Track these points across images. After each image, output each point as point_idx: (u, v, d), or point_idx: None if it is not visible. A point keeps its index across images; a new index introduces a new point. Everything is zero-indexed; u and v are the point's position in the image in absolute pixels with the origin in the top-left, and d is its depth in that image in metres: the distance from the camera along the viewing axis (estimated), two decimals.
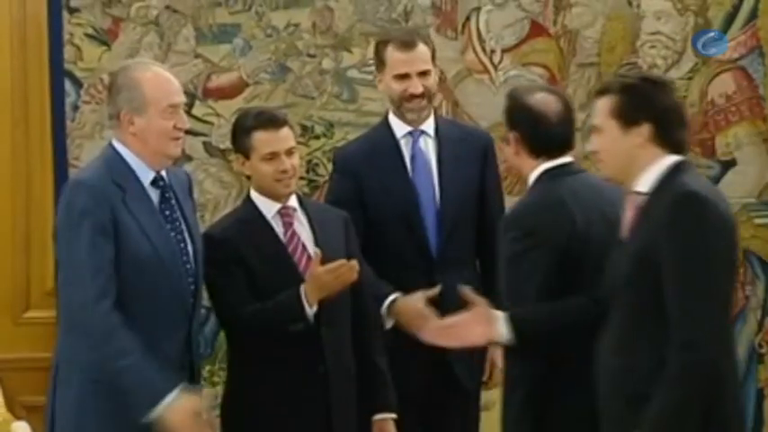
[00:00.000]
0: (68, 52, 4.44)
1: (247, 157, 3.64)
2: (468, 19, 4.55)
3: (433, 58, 4.07)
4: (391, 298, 3.92)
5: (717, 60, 4.61)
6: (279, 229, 3.63)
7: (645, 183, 2.96)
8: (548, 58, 4.58)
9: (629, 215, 3.02)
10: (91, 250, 3.33)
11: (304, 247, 3.63)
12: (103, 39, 4.46)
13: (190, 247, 3.47)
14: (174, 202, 3.48)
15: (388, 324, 3.97)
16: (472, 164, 4.07)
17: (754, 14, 4.58)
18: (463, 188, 4.05)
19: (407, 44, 3.96)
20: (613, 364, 2.98)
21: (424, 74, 3.94)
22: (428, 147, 4.04)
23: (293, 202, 3.67)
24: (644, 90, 3.07)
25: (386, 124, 4.06)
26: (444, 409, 4.06)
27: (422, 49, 3.96)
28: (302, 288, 3.51)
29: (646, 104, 3.03)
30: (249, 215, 3.67)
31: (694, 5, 4.59)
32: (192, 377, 3.45)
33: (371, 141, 4.11)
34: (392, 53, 3.96)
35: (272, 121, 3.65)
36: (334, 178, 4.16)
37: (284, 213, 3.63)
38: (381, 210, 3.95)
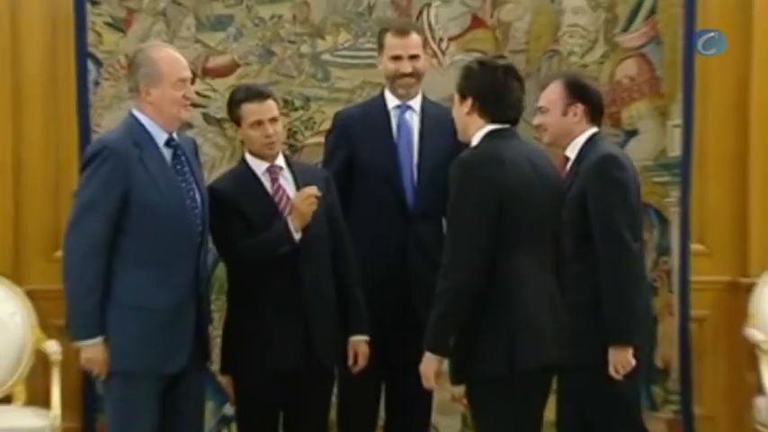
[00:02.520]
0: (91, 37, 4.72)
1: (239, 124, 3.90)
2: (420, 13, 4.83)
3: (424, 45, 4.34)
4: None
5: (623, 48, 4.86)
6: (267, 183, 3.87)
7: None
8: (486, 46, 4.88)
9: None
10: (96, 197, 3.56)
11: (288, 198, 3.87)
12: (120, 27, 4.75)
13: (198, 195, 3.71)
14: (184, 159, 3.72)
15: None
16: (447, 138, 4.16)
17: (653, 10, 4.86)
18: (437, 156, 4.22)
19: (402, 32, 4.21)
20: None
21: (414, 57, 4.18)
22: (413, 119, 4.27)
23: (280, 161, 3.91)
24: (470, 71, 3.48)
25: (381, 97, 4.29)
26: (406, 337, 4.14)
27: (414, 36, 4.21)
28: (288, 218, 3.77)
29: (470, 83, 3.45)
30: (243, 173, 3.91)
31: (605, 2, 4.86)
32: (199, 299, 3.69)
33: (367, 109, 4.35)
34: (390, 38, 4.21)
35: (258, 94, 3.90)
36: (332, 134, 4.36)
37: (271, 171, 3.89)
38: (368, 166, 4.22)
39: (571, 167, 3.71)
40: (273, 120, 3.85)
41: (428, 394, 4.26)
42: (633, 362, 3.56)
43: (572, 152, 3.72)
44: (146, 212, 3.59)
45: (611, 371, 3.54)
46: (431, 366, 3.40)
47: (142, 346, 3.61)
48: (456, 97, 3.52)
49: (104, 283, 3.57)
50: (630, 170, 3.71)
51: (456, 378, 3.39)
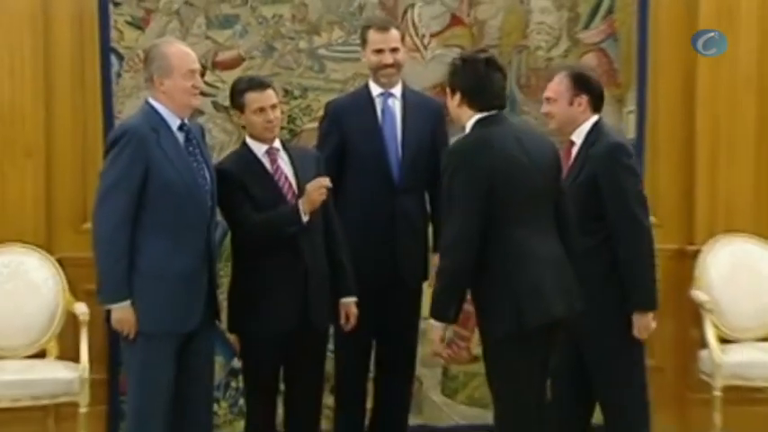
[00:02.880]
0: (113, 34, 4.91)
1: (242, 111, 4.05)
2: (405, 12, 5.07)
3: (402, 39, 4.50)
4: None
5: (584, 43, 5.13)
6: (267, 164, 4.05)
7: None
8: (463, 41, 5.11)
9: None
10: (121, 177, 3.73)
11: (286, 177, 4.06)
12: (139, 25, 4.94)
13: (207, 174, 3.89)
14: (194, 142, 3.90)
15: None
16: (427, 122, 4.48)
17: (611, 10, 5.15)
18: (419, 137, 4.44)
19: (383, 28, 4.42)
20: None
21: (394, 50, 4.39)
22: (395, 105, 4.45)
23: (277, 144, 4.09)
24: (455, 68, 3.65)
25: (366, 87, 4.48)
26: (393, 300, 4.45)
27: (394, 32, 4.42)
28: (299, 201, 3.95)
29: (456, 79, 3.64)
30: (245, 154, 4.08)
31: (568, 3, 5.12)
32: (211, 265, 3.90)
33: (355, 97, 4.54)
34: (372, 34, 4.41)
35: (259, 84, 4.08)
36: (324, 122, 4.52)
37: (270, 152, 4.07)
38: (357, 148, 4.40)
39: (578, 152, 3.89)
40: (273, 106, 4.03)
41: (413, 351, 4.51)
42: (654, 325, 3.83)
43: (578, 138, 3.92)
44: (163, 189, 3.76)
45: (637, 333, 3.78)
46: (437, 332, 3.60)
47: (162, 309, 3.78)
48: (447, 91, 3.68)
49: (129, 253, 3.75)
50: (634, 156, 3.91)
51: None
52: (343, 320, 4.18)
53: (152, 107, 3.82)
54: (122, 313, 3.75)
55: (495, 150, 3.50)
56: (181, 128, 3.85)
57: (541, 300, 3.50)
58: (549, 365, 3.63)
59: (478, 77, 3.60)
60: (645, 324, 3.81)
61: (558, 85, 3.94)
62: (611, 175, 3.79)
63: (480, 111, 3.59)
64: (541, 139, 3.70)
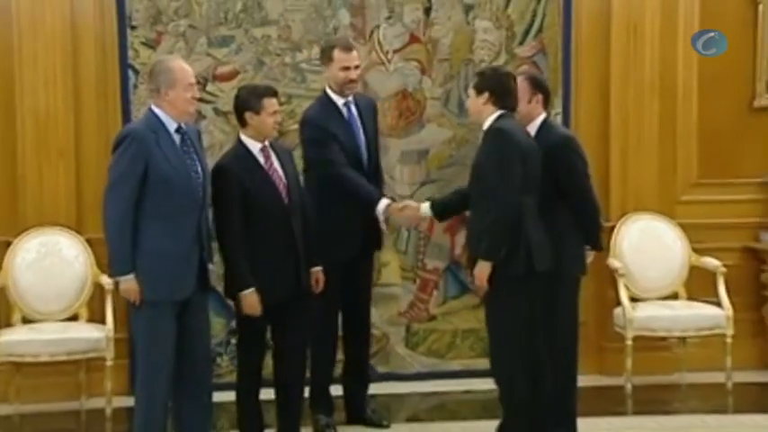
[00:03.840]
0: (130, 53, 5.30)
1: (258, 112, 4.24)
2: (372, 32, 5.46)
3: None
4: (385, 202, 4.59)
5: (519, 57, 5.52)
6: (261, 160, 4.30)
7: (485, 124, 4.17)
8: (420, 56, 5.53)
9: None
10: (125, 172, 3.93)
11: (276, 170, 4.30)
12: (152, 45, 5.33)
13: (199, 169, 4.07)
14: (189, 142, 4.07)
15: (382, 221, 4.59)
16: (371, 117, 4.82)
17: (541, 30, 5.57)
18: (373, 132, 4.81)
19: (348, 48, 4.69)
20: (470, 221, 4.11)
21: (357, 67, 4.70)
22: (354, 110, 4.74)
23: (266, 142, 4.31)
24: (485, 75, 4.22)
25: (328, 98, 4.69)
26: (363, 264, 4.82)
27: (355, 52, 4.71)
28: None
29: (485, 82, 4.16)
30: (243, 152, 4.30)
31: (506, 24, 5.52)
32: (201, 244, 4.07)
33: (325, 109, 4.70)
34: (338, 53, 4.63)
35: (275, 93, 4.37)
36: (314, 130, 4.62)
37: (264, 150, 4.32)
38: (342, 146, 4.63)
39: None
40: (278, 111, 4.39)
41: (368, 313, 4.86)
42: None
43: (532, 130, 4.33)
44: (161, 182, 3.94)
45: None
46: (486, 269, 4.07)
47: (161, 281, 3.98)
48: (472, 92, 4.16)
49: (133, 234, 3.94)
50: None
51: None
52: (313, 284, 4.46)
53: (153, 113, 4.03)
54: (128, 284, 3.98)
55: (519, 135, 4.10)
56: (177, 130, 4.04)
57: (544, 251, 4.06)
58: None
59: (503, 83, 4.16)
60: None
61: (520, 88, 4.28)
62: (568, 161, 4.28)
63: (500, 109, 4.13)
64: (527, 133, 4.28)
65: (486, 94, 4.13)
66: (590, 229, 4.39)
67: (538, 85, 4.42)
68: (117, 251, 3.99)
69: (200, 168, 4.07)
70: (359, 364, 4.94)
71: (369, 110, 4.83)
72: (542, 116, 4.41)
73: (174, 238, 3.98)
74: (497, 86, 4.15)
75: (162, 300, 4.00)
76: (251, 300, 4.24)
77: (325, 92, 4.75)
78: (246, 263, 4.25)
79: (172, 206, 3.97)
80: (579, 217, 4.31)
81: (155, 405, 4.07)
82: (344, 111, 4.72)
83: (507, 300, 4.13)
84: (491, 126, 4.13)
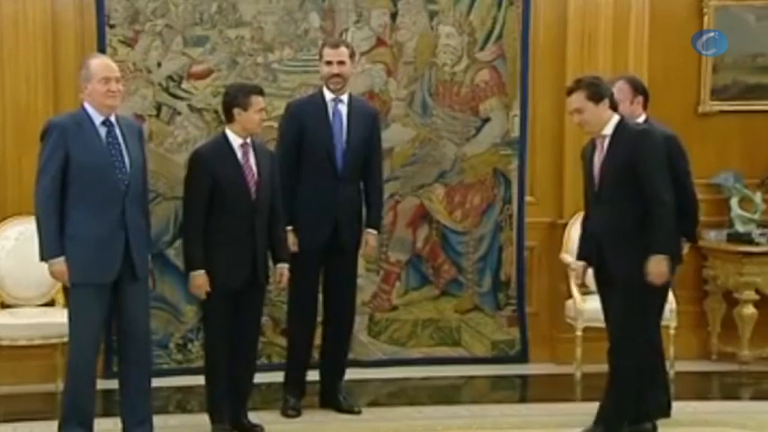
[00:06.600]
0: (108, 51, 5.29)
1: (245, 109, 4.32)
2: (341, 35, 5.51)
3: (351, 56, 4.82)
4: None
5: (480, 61, 5.64)
6: (239, 155, 4.38)
7: (608, 129, 4.26)
8: (386, 59, 5.63)
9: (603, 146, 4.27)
10: (47, 161, 4.04)
11: (251, 167, 4.37)
12: (129, 43, 5.38)
13: (126, 161, 4.12)
14: (117, 134, 4.13)
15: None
16: (367, 125, 4.82)
17: (500, 36, 5.68)
18: (359, 137, 4.76)
19: (335, 45, 4.82)
20: (611, 220, 4.23)
21: (341, 63, 4.74)
22: (343, 110, 4.78)
23: (248, 139, 4.39)
24: (600, 84, 4.30)
25: (321, 92, 4.82)
26: (333, 263, 4.82)
27: (342, 49, 4.78)
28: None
29: (605, 90, 4.28)
30: (222, 143, 4.40)
31: (467, 29, 5.62)
32: (126, 230, 4.12)
33: (311, 100, 4.83)
34: (325, 50, 4.78)
35: (261, 91, 4.44)
36: (285, 119, 4.79)
37: (244, 146, 4.40)
38: (311, 141, 4.72)
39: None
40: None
41: (353, 300, 4.92)
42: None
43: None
44: (81, 170, 4.05)
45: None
46: (664, 264, 4.19)
47: (86, 264, 4.08)
48: (588, 104, 4.22)
49: (60, 219, 4.03)
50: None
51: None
52: (277, 279, 4.58)
53: (83, 107, 4.17)
54: (57, 267, 4.09)
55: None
56: (104, 123, 4.15)
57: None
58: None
59: (610, 89, 4.32)
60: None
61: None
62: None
63: (614, 113, 4.28)
64: None
65: (606, 101, 4.25)
66: (689, 222, 4.52)
67: (638, 87, 4.58)
68: (45, 235, 4.10)
69: (127, 160, 4.14)
70: (336, 352, 4.99)
71: (363, 116, 4.85)
72: (643, 116, 4.55)
73: (96, 224, 4.08)
74: (610, 93, 4.31)
75: (87, 282, 4.10)
76: (198, 281, 4.37)
77: (321, 87, 4.87)
78: (200, 246, 4.36)
79: (93, 194, 4.08)
80: (680, 211, 4.41)
81: (81, 383, 4.18)
82: (331, 106, 4.78)
83: (651, 289, 4.27)
84: (633, 129, 4.27)
